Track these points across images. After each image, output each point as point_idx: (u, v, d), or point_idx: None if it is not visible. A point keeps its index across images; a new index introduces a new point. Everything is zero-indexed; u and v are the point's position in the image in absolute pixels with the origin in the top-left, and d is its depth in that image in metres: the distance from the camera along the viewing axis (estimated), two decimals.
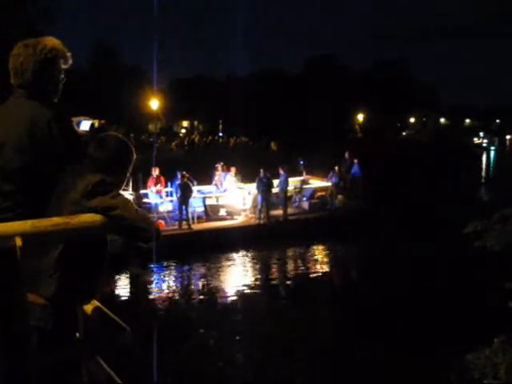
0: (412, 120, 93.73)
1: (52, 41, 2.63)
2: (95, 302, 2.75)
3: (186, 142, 50.99)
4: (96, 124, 2.76)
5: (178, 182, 18.00)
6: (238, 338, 11.26)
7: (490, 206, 24.24)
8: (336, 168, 22.79)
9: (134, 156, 2.66)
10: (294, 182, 22.68)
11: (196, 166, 22.36)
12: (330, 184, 22.48)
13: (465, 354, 6.94)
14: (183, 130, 69.61)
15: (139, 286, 14.82)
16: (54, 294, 2.35)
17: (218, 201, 20.10)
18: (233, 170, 21.13)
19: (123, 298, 13.99)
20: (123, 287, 14.72)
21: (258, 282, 15.62)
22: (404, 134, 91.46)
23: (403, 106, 79.69)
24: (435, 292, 13.32)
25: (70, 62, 2.70)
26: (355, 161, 25.32)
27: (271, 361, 10.07)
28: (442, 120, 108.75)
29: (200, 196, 19.74)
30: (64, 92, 2.73)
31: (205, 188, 20.90)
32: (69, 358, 2.54)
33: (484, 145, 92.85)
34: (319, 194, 22.56)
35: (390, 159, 46.37)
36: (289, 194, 21.44)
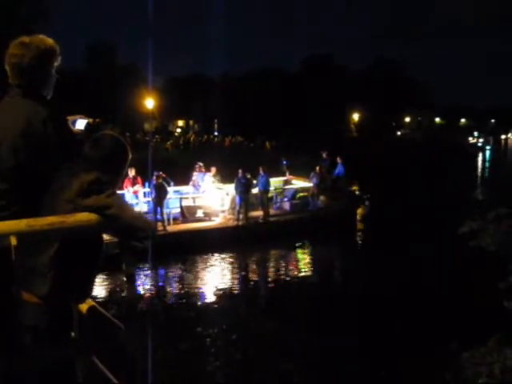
0: (407, 119, 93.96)
1: (46, 39, 2.63)
2: (90, 302, 2.74)
3: (181, 142, 50.93)
4: (91, 122, 2.75)
5: (153, 182, 17.51)
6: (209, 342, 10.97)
7: (482, 205, 24.33)
8: (317, 168, 22.40)
9: (130, 155, 2.66)
10: (276, 183, 22.38)
11: (191, 166, 22.19)
12: (311, 185, 22.12)
13: (460, 354, 6.95)
14: (178, 130, 69.53)
15: (134, 286, 14.79)
16: (49, 293, 2.34)
17: (194, 202, 19.44)
18: (213, 170, 20.64)
19: (118, 297, 13.96)
20: (118, 286, 14.70)
21: (231, 285, 15.16)
22: (399, 133, 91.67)
23: (399, 105, 79.92)
24: (427, 292, 13.34)
25: (60, 59, 2.70)
26: (339, 161, 24.90)
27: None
28: (438, 119, 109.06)
29: (176, 197, 19.23)
30: (59, 91, 2.73)
31: (183, 189, 20.40)
32: (64, 357, 2.53)
33: (479, 144, 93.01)
34: (301, 194, 22.19)
35: (382, 159, 46.42)
36: (270, 195, 21.04)
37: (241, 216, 19.10)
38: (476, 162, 66.95)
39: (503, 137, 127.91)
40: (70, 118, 2.76)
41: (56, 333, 2.43)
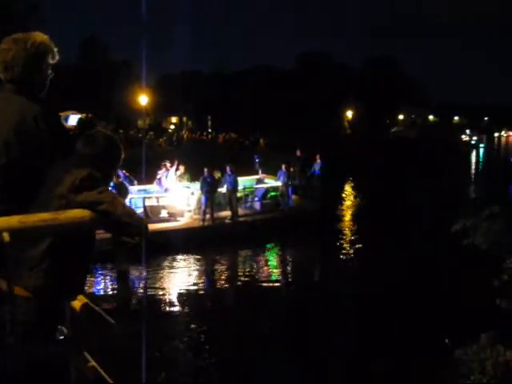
0: (401, 117, 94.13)
1: (40, 36, 2.62)
2: (83, 298, 2.74)
3: (174, 138, 50.86)
4: (83, 117, 2.74)
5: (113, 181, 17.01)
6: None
7: (475, 203, 24.33)
8: (283, 166, 21.39)
9: (123, 153, 2.67)
10: (248, 181, 21.81)
11: (185, 163, 22.15)
12: (279, 183, 21.38)
13: (453, 350, 6.99)
14: (172, 126, 69.43)
15: (126, 282, 14.74)
16: (38, 288, 2.34)
17: (158, 201, 18.64)
18: (181, 168, 20.01)
19: (111, 294, 13.93)
20: (111, 283, 14.67)
21: (193, 288, 14.62)
22: (393, 130, 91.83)
23: (393, 102, 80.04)
24: (417, 289, 13.39)
25: (57, 57, 2.70)
26: (318, 160, 24.38)
27: None
28: (431, 117, 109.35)
29: (140, 196, 18.34)
30: (52, 87, 2.72)
31: (150, 187, 19.59)
32: (54, 353, 2.52)
33: (473, 142, 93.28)
34: (273, 194, 21.52)
35: (372, 157, 46.44)
36: (240, 194, 20.49)
37: (207, 216, 18.53)
38: (469, 159, 67.11)
39: (496, 134, 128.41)
40: (62, 114, 2.75)
41: (44, 328, 2.42)
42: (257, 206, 21.12)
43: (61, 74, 2.90)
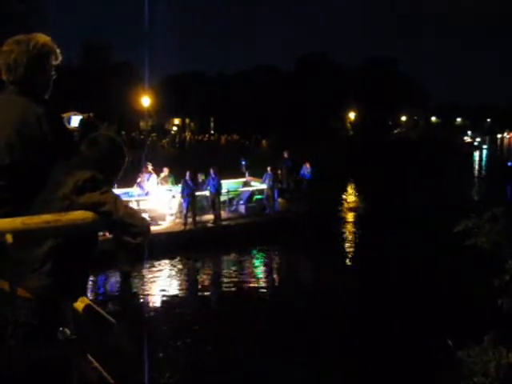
0: (403, 118, 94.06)
1: (43, 37, 2.63)
2: (86, 300, 2.74)
3: (177, 140, 50.87)
4: (85, 118, 2.75)
5: None
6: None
7: (478, 204, 24.25)
8: (269, 169, 20.83)
9: (126, 156, 2.68)
10: (234, 184, 21.35)
11: (187, 164, 22.15)
12: (265, 186, 20.80)
13: (455, 352, 6.97)
14: (175, 128, 69.43)
15: (129, 283, 14.74)
16: (41, 289, 2.34)
17: (139, 205, 17.91)
18: (165, 170, 19.61)
19: (113, 296, 13.94)
20: (113, 284, 14.69)
21: (175, 292, 14.42)
22: (395, 132, 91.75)
23: (394, 104, 79.97)
24: (421, 290, 13.37)
25: (60, 58, 2.70)
26: (307, 165, 23.87)
27: None
28: (434, 118, 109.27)
29: None
30: (55, 88, 2.73)
31: (130, 191, 18.98)
32: (57, 355, 2.53)
33: (475, 143, 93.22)
34: (258, 197, 20.99)
35: (374, 158, 46.42)
36: (228, 197, 20.20)
37: (189, 220, 18.20)
38: (472, 160, 67.02)
39: (499, 136, 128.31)
40: (65, 116, 2.76)
41: (48, 330, 2.43)
42: (242, 209, 20.64)
43: (63, 75, 2.91)
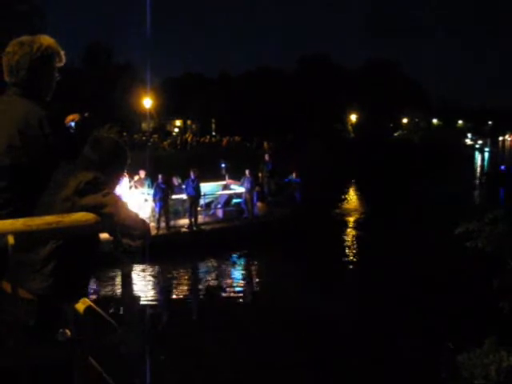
0: (405, 121, 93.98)
1: (47, 39, 2.63)
2: (87, 301, 2.74)
3: (178, 142, 50.84)
4: (79, 118, 2.76)
5: None
6: None
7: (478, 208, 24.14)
8: (247, 172, 20.06)
9: (129, 158, 2.68)
10: (213, 187, 20.84)
11: (188, 166, 22.12)
12: (243, 190, 20.05)
13: (456, 354, 6.97)
14: (176, 129, 69.42)
15: (129, 286, 14.66)
16: (43, 290, 2.35)
17: None
18: (141, 173, 18.84)
19: (114, 297, 13.92)
20: (114, 286, 14.67)
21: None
22: (396, 134, 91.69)
23: (396, 106, 79.93)
24: (420, 293, 13.36)
25: (64, 60, 2.70)
26: (294, 175, 23.29)
27: None
28: (435, 121, 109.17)
29: None
30: (56, 90, 2.73)
31: None
32: (57, 356, 2.53)
33: (477, 146, 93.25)
34: (237, 200, 20.35)
35: (374, 161, 46.38)
36: (205, 201, 19.70)
37: (162, 224, 17.61)
38: (474, 163, 66.98)
39: (500, 138, 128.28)
40: (68, 119, 2.77)
41: (49, 331, 2.43)
42: (219, 213, 20.04)
43: (65, 76, 2.91)
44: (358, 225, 24.16)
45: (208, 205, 20.35)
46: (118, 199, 2.40)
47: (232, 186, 21.18)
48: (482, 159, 75.42)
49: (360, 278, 15.77)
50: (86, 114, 2.82)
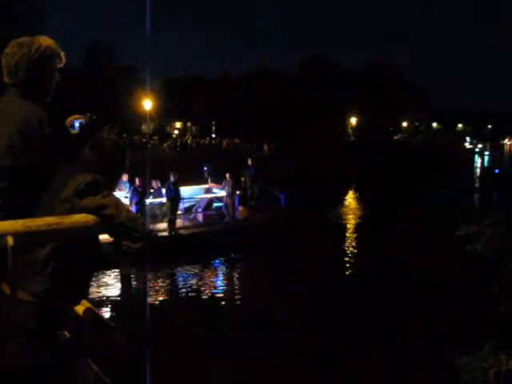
0: (405, 124, 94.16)
1: (46, 40, 2.62)
2: (86, 303, 2.74)
3: (178, 143, 50.95)
4: (85, 119, 2.75)
5: None
6: None
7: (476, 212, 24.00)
8: (227, 176, 19.54)
9: (128, 160, 2.68)
10: (195, 190, 20.43)
11: (188, 168, 22.11)
12: (223, 194, 19.61)
13: (456, 358, 6.96)
14: (176, 131, 69.52)
15: (129, 287, 14.68)
16: (41, 292, 2.34)
17: None
18: (124, 176, 17.78)
19: (114, 299, 13.91)
20: (114, 288, 14.66)
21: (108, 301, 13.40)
22: (396, 137, 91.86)
23: (396, 109, 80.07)
24: (422, 295, 13.35)
25: (64, 61, 2.69)
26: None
27: None
28: (435, 124, 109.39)
29: None
30: (57, 92, 2.72)
31: None
32: (56, 357, 2.52)
33: (477, 150, 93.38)
34: (218, 204, 19.90)
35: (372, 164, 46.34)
36: (184, 205, 19.08)
37: None
38: (473, 167, 66.97)
39: (501, 142, 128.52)
40: (69, 121, 2.76)
41: (49, 333, 2.42)
42: (199, 217, 19.59)
43: (66, 77, 2.91)
44: (348, 228, 24.06)
45: (189, 209, 19.90)
46: (117, 201, 2.40)
47: (214, 190, 20.73)
48: (482, 163, 75.38)
49: (349, 282, 15.69)
50: (94, 117, 2.82)
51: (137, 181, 17.31)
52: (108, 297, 13.81)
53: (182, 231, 17.99)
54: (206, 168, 22.49)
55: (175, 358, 9.66)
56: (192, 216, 19.72)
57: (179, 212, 18.63)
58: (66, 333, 2.59)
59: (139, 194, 17.22)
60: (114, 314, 12.27)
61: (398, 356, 9.91)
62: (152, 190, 18.58)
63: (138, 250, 2.37)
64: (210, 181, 21.33)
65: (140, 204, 17.27)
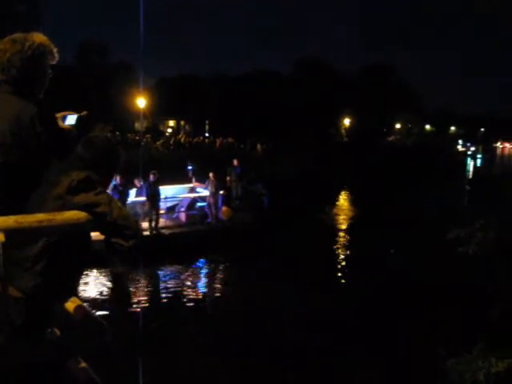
0: (398, 126, 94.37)
1: (40, 37, 2.60)
2: (77, 301, 2.73)
3: (171, 142, 50.84)
4: (83, 115, 2.74)
5: None
6: None
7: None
8: (211, 175, 19.35)
9: (122, 158, 2.67)
10: (178, 189, 20.15)
11: (182, 167, 22.01)
12: (207, 194, 19.39)
13: (446, 360, 6.99)
14: (169, 130, 69.38)
15: (121, 285, 14.57)
16: (32, 289, 2.33)
17: None
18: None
19: (104, 298, 13.86)
20: (105, 285, 14.62)
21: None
22: (389, 139, 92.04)
23: (390, 111, 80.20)
24: (412, 297, 13.39)
25: (57, 58, 2.68)
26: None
27: None
28: (428, 127, 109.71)
29: None
30: (51, 88, 2.71)
31: None
32: (45, 355, 2.51)
33: (469, 152, 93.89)
34: (201, 204, 19.67)
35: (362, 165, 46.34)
36: (167, 205, 18.87)
37: None
38: (465, 170, 67.23)
39: (494, 145, 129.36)
40: (59, 115, 2.74)
41: (38, 330, 2.41)
42: (182, 217, 19.36)
43: (59, 74, 2.89)
44: (339, 229, 24.07)
45: (172, 208, 19.68)
46: (110, 198, 2.39)
47: (198, 189, 20.52)
48: (475, 165, 75.70)
49: (334, 281, 15.63)
50: (85, 113, 2.79)
51: (118, 179, 16.89)
52: (98, 295, 13.78)
53: (163, 231, 17.78)
54: (190, 167, 22.35)
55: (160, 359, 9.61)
56: (174, 215, 19.49)
57: (161, 211, 18.43)
58: (56, 330, 2.58)
59: (120, 193, 16.77)
60: (105, 312, 12.24)
61: (388, 358, 9.93)
62: (135, 189, 18.36)
63: (130, 247, 2.37)
64: (194, 180, 21.20)
65: (121, 202, 16.89)
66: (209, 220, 19.26)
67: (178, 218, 19.47)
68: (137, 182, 18.28)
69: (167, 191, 18.87)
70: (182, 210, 19.60)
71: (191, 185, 20.91)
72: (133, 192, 18.12)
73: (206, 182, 19.58)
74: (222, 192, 20.00)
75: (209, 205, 19.38)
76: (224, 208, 20.03)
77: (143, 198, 17.81)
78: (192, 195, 20.13)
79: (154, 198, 17.48)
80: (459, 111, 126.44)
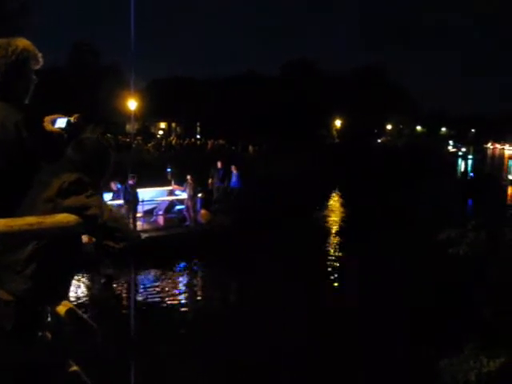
0: (389, 127, 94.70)
1: (23, 41, 2.57)
2: (68, 304, 2.71)
3: (163, 144, 50.75)
4: (72, 119, 2.72)
5: None
6: None
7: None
8: (189, 178, 19.07)
9: (112, 160, 2.66)
10: (157, 192, 20.00)
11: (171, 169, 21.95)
12: (185, 197, 19.21)
13: (438, 360, 7.01)
14: (160, 132, 69.28)
15: (111, 287, 14.58)
16: (22, 292, 2.31)
17: None
18: None
19: (95, 300, 13.80)
20: (95, 289, 14.58)
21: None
22: (380, 140, 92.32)
23: (381, 112, 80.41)
24: (404, 297, 13.42)
25: (42, 62, 2.65)
26: (234, 170, 22.61)
27: None
28: (419, 128, 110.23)
29: None
30: (40, 90, 2.69)
31: None
32: (37, 359, 2.50)
33: (460, 153, 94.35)
34: (180, 207, 19.50)
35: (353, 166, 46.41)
36: (143, 208, 18.43)
37: None
38: (457, 170, 67.46)
39: (484, 146, 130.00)
40: (49, 118, 2.72)
41: (26, 334, 2.39)
42: (160, 220, 19.10)
43: (49, 76, 2.87)
44: (329, 230, 24.05)
45: (150, 211, 19.37)
46: (101, 201, 2.38)
47: (176, 192, 20.27)
48: (465, 166, 76.01)
49: (317, 283, 15.45)
50: (76, 116, 2.77)
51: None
52: (89, 298, 13.73)
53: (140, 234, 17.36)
54: (169, 169, 22.05)
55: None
56: (152, 219, 19.20)
57: (139, 215, 18.11)
58: (47, 334, 2.56)
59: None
60: (95, 314, 12.18)
61: (380, 358, 9.94)
62: (112, 192, 17.90)
63: (121, 249, 2.35)
64: (173, 183, 20.94)
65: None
66: (187, 223, 19.00)
67: (155, 221, 19.19)
68: (113, 185, 17.69)
69: (145, 194, 18.60)
70: (160, 213, 19.37)
71: (170, 187, 20.65)
72: (108, 196, 17.49)
73: (184, 185, 19.38)
74: (200, 195, 19.76)
75: (187, 208, 19.14)
76: (203, 211, 19.81)
77: (120, 201, 17.43)
78: (170, 198, 19.87)
79: (132, 201, 17.08)
80: (453, 112, 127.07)
